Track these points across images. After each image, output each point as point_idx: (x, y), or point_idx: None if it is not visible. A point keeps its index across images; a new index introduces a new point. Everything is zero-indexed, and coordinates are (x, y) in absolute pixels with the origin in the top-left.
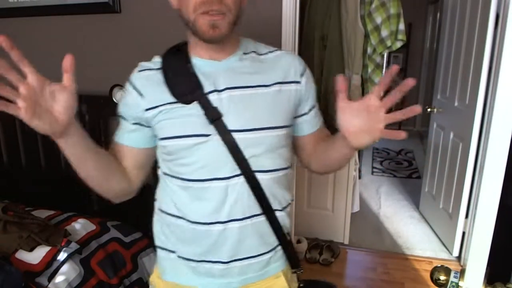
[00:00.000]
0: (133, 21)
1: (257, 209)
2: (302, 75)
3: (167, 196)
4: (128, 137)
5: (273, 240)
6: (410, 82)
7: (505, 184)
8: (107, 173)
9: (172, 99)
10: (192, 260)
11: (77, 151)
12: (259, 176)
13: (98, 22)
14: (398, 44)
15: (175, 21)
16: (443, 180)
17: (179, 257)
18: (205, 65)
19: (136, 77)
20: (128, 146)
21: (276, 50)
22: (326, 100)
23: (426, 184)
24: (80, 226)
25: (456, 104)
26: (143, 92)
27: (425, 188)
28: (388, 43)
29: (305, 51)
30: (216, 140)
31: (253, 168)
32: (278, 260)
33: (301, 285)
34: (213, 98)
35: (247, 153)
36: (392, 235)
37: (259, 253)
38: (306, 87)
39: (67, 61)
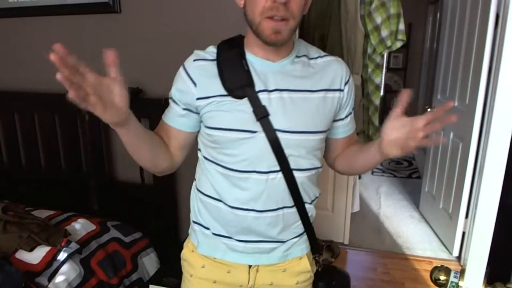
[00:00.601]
0: (133, 21)
1: (289, 202)
2: (346, 83)
3: (206, 179)
4: (177, 121)
5: (300, 228)
6: (453, 118)
7: (505, 184)
8: (156, 153)
9: (224, 92)
10: (226, 237)
11: (134, 137)
12: (295, 174)
13: (98, 22)
14: (398, 44)
15: (175, 21)
16: (443, 180)
17: (214, 234)
18: (259, 63)
19: (191, 65)
20: (176, 128)
21: (326, 55)
22: None
23: (426, 184)
24: (80, 226)
25: (456, 104)
26: (197, 81)
27: (425, 188)
28: (388, 43)
29: None
30: (261, 137)
31: (292, 166)
32: (303, 244)
33: (319, 269)
34: (262, 97)
35: (287, 152)
36: (392, 235)
37: (286, 239)
38: (347, 95)
39: (110, 57)
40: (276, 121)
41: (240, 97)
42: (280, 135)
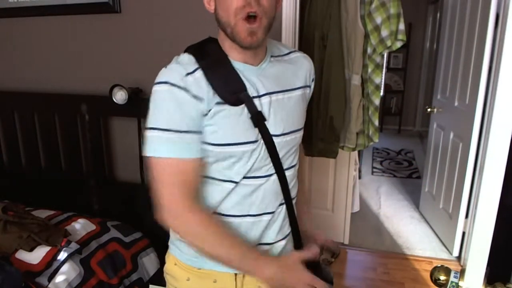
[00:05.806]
0: (133, 21)
1: (281, 201)
2: (313, 80)
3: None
4: (196, 148)
5: (287, 227)
6: None
7: (505, 184)
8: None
9: (220, 100)
10: None
11: None
12: (287, 173)
13: (98, 22)
14: (398, 44)
15: (175, 21)
16: (443, 180)
17: None
18: (242, 68)
19: (188, 82)
20: (199, 157)
21: (294, 51)
22: (326, 100)
23: (426, 184)
24: (80, 226)
25: (456, 104)
26: (201, 96)
27: (425, 188)
28: (388, 43)
29: (305, 51)
30: (261, 144)
31: (284, 166)
32: (288, 246)
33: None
34: (256, 103)
35: (281, 154)
36: (392, 235)
37: (277, 240)
38: (312, 89)
39: None
40: (271, 126)
41: (237, 103)
42: (275, 139)
